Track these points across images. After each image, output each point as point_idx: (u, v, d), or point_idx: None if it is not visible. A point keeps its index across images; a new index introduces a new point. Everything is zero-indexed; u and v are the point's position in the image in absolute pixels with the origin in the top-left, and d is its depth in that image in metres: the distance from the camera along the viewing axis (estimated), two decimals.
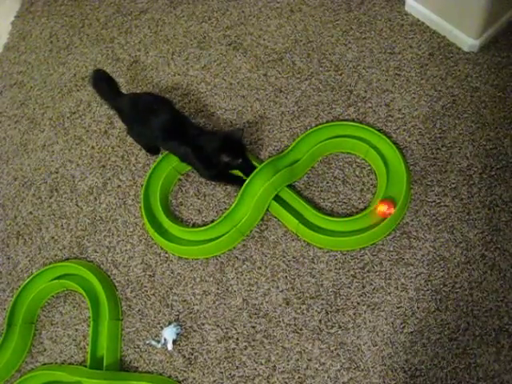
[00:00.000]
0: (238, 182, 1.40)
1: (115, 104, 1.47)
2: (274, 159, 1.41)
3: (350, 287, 1.29)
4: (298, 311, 1.29)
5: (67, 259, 1.49)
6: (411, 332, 1.22)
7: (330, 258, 1.33)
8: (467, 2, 1.42)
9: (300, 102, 1.57)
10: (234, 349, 1.28)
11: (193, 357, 1.29)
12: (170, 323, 1.33)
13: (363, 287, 1.28)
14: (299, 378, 1.22)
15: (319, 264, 1.33)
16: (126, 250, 1.46)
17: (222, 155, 1.32)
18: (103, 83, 1.47)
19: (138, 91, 1.71)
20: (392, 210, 1.29)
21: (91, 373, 1.28)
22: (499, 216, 1.30)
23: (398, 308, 1.25)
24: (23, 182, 1.65)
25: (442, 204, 1.34)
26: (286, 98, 1.59)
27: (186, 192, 1.51)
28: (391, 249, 1.31)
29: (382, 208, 1.30)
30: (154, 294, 1.38)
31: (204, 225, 1.44)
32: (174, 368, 1.29)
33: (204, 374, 1.27)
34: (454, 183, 1.36)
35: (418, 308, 1.24)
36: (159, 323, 1.34)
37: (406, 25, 1.63)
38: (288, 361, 1.24)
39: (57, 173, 1.64)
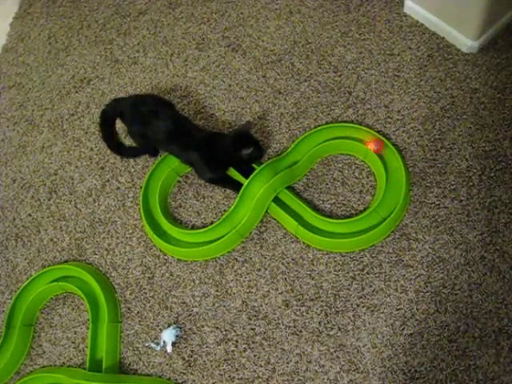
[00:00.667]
0: (237, 187, 1.40)
1: (117, 109, 1.48)
2: (273, 161, 1.41)
3: (349, 289, 1.29)
4: (298, 313, 1.29)
5: (66, 261, 1.48)
6: (411, 334, 1.22)
7: (329, 260, 1.33)
8: (466, 3, 1.42)
9: (299, 104, 1.57)
10: (233, 351, 1.28)
11: (192, 359, 1.29)
12: (169, 325, 1.33)
13: (362, 289, 1.28)
14: (299, 380, 1.22)
15: (318, 266, 1.33)
16: (125, 252, 1.46)
17: (241, 151, 1.33)
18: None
19: (136, 93, 1.71)
20: (378, 145, 1.38)
21: (90, 375, 1.27)
22: (498, 217, 1.30)
23: (397, 310, 1.24)
24: (22, 184, 1.65)
25: (442, 205, 1.34)
26: (285, 99, 1.59)
27: (185, 194, 1.50)
28: (390, 250, 1.31)
29: (372, 146, 1.39)
30: (153, 296, 1.38)
31: (203, 227, 1.43)
32: (173, 370, 1.28)
33: (203, 377, 1.26)
34: (453, 185, 1.36)
35: (417, 310, 1.24)
36: (158, 325, 1.34)
37: (404, 26, 1.63)
38: (287, 363, 1.24)
39: (55, 175, 1.64)
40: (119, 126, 1.64)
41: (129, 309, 1.38)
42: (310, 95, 1.58)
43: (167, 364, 1.29)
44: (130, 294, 1.40)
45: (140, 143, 1.54)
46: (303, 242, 1.36)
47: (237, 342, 1.28)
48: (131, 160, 1.58)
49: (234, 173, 1.45)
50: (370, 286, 1.28)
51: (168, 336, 1.29)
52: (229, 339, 1.29)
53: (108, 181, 1.58)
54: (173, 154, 1.45)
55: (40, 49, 1.94)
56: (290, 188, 1.43)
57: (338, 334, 1.25)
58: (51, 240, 1.53)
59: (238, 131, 1.40)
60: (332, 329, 1.25)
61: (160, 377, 1.29)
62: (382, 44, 1.62)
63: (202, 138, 1.39)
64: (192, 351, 1.29)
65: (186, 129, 1.41)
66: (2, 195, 1.65)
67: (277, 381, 1.23)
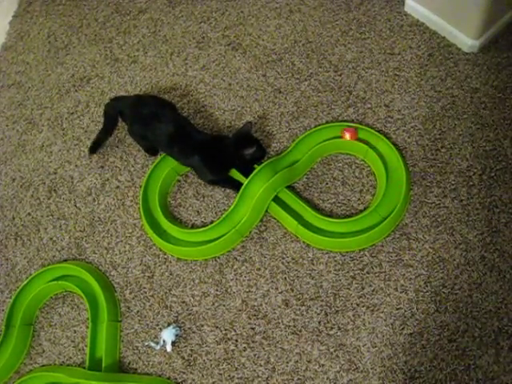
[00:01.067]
0: (237, 186, 1.40)
1: (117, 108, 1.48)
2: (274, 160, 1.41)
3: (349, 288, 1.29)
4: (298, 312, 1.28)
5: (66, 260, 1.48)
6: (410, 333, 1.22)
7: (329, 260, 1.33)
8: (467, 2, 1.41)
9: (299, 103, 1.57)
10: (233, 350, 1.28)
11: (192, 358, 1.29)
12: (168, 324, 1.33)
13: (362, 288, 1.28)
14: (298, 379, 1.22)
15: (318, 265, 1.33)
16: (125, 251, 1.45)
17: (244, 150, 1.34)
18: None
19: (136, 92, 1.71)
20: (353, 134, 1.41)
21: (90, 374, 1.27)
22: (499, 217, 1.30)
23: (397, 309, 1.24)
24: (21, 182, 1.65)
25: (442, 205, 1.34)
26: (286, 98, 1.58)
27: (185, 193, 1.50)
28: (391, 250, 1.31)
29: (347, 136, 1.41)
30: (152, 296, 1.38)
31: (203, 226, 1.43)
32: (172, 369, 1.28)
33: (203, 376, 1.26)
34: (453, 184, 1.36)
35: (417, 309, 1.24)
36: (158, 325, 1.34)
37: (405, 25, 1.63)
38: (287, 362, 1.24)
39: (55, 173, 1.63)
40: (118, 125, 1.64)
41: (128, 308, 1.38)
42: (311, 94, 1.57)
43: (167, 363, 1.29)
44: (130, 293, 1.39)
45: (140, 142, 1.54)
46: (303, 242, 1.36)
47: (236, 341, 1.28)
48: (131, 159, 1.58)
49: (234, 172, 1.45)
50: (370, 286, 1.28)
51: (168, 335, 1.28)
52: (228, 338, 1.29)
53: (108, 180, 1.57)
54: (173, 156, 1.45)
55: (39, 47, 1.94)
56: (290, 187, 1.43)
57: (338, 333, 1.25)
58: (51, 239, 1.53)
59: (239, 132, 1.40)
60: (332, 328, 1.25)
61: (160, 376, 1.29)
62: (382, 43, 1.62)
63: (202, 141, 1.40)
64: (192, 350, 1.29)
65: (187, 131, 1.40)
66: (2, 194, 1.65)
67: (276, 380, 1.23)
